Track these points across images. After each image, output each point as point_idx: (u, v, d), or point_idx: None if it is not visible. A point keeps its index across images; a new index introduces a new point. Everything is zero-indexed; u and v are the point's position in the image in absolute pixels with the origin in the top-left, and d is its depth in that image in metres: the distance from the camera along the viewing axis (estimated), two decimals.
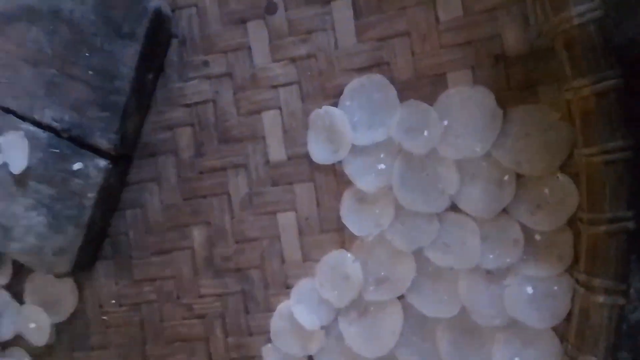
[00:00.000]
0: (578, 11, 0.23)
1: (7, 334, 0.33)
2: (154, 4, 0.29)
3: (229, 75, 0.31)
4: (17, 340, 0.34)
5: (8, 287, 0.33)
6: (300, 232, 0.30)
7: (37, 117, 0.30)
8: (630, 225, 0.22)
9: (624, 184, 0.23)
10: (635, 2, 0.27)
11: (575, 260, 0.25)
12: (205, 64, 0.31)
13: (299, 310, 0.30)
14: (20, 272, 0.33)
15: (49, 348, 0.33)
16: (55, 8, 0.30)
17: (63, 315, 0.33)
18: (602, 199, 0.23)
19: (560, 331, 0.26)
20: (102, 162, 0.30)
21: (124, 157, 0.31)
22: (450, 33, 0.27)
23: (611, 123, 0.23)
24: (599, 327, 0.23)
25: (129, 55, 0.29)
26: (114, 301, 0.33)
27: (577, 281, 0.25)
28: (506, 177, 0.27)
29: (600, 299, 0.22)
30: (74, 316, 0.33)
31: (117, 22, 0.29)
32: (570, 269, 0.26)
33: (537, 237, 0.26)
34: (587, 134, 0.23)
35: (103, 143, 0.30)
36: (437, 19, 0.28)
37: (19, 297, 0.33)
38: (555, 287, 0.26)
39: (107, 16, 0.29)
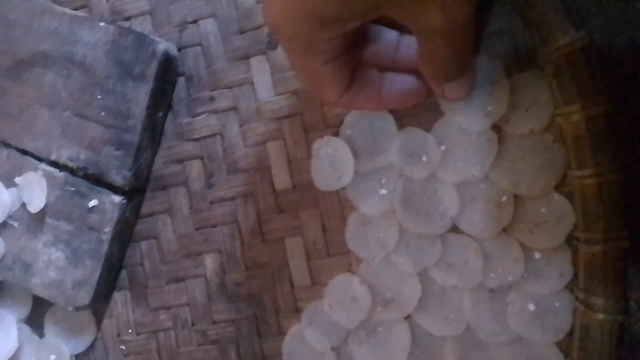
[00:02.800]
0: (565, 41, 0.24)
1: None
2: (162, 47, 0.31)
3: (235, 109, 0.32)
4: None
5: (28, 321, 0.35)
6: (308, 257, 0.31)
7: (53, 157, 0.32)
8: (626, 244, 0.23)
9: (617, 203, 0.24)
10: (621, 23, 0.29)
11: (575, 276, 0.26)
12: (212, 99, 0.32)
13: (310, 332, 0.31)
14: (39, 305, 0.35)
15: None
16: (69, 54, 0.32)
17: (82, 346, 0.34)
18: (597, 219, 0.24)
19: (564, 346, 0.27)
20: (117, 198, 0.31)
21: (137, 191, 0.33)
22: None
23: (602, 146, 0.24)
24: (600, 343, 0.24)
25: (140, 95, 0.31)
26: (131, 330, 0.34)
27: (576, 298, 0.25)
28: (504, 198, 0.28)
29: (600, 316, 0.23)
30: (93, 346, 0.34)
31: (128, 65, 0.31)
32: (571, 285, 0.27)
33: (537, 255, 0.27)
34: (579, 157, 0.24)
35: (118, 180, 0.31)
36: None
37: (39, 330, 0.35)
38: (557, 303, 0.27)
39: (119, 60, 0.31)
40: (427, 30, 0.20)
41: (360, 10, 0.19)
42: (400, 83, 0.25)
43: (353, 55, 0.24)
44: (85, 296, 0.32)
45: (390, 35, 0.25)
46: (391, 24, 0.25)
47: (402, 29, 0.25)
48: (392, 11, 0.19)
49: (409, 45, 0.25)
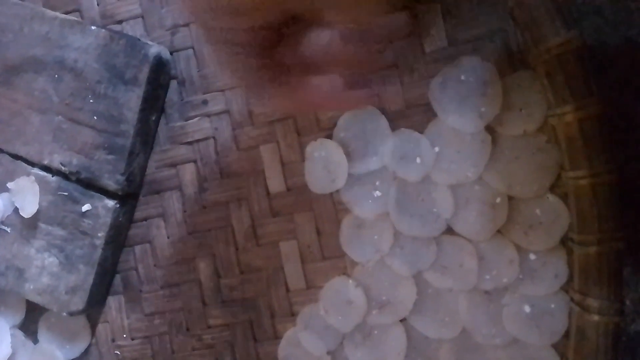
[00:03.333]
0: (557, 42, 0.24)
1: None
2: (154, 50, 0.30)
3: (227, 112, 0.32)
4: None
5: (21, 327, 0.35)
6: (303, 260, 0.31)
7: (46, 162, 0.32)
8: (621, 244, 0.23)
9: (612, 205, 0.24)
10: (614, 23, 0.29)
11: (570, 277, 0.26)
12: (204, 102, 0.32)
13: (306, 336, 0.31)
14: (33, 311, 0.34)
15: None
16: (60, 58, 0.31)
17: (77, 352, 0.34)
18: (591, 221, 0.24)
19: (560, 348, 0.27)
20: (111, 203, 0.31)
21: (130, 196, 0.33)
22: (436, 63, 0.29)
23: (596, 147, 0.24)
24: (596, 345, 0.24)
25: (132, 99, 0.30)
26: (125, 335, 0.34)
27: (572, 299, 0.25)
28: (498, 200, 0.28)
29: (596, 317, 0.23)
30: (87, 352, 0.34)
31: (120, 69, 0.31)
32: (566, 286, 0.26)
33: (532, 256, 0.27)
34: (573, 158, 0.24)
35: (111, 184, 0.31)
36: (422, 50, 0.29)
37: (33, 336, 0.34)
38: (552, 305, 0.27)
39: (110, 64, 0.31)
40: (337, 25, 0.20)
41: (271, 1, 0.18)
42: (322, 85, 0.24)
43: (277, 50, 0.22)
44: (79, 302, 0.32)
45: (320, 37, 0.24)
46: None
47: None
48: (303, 4, 0.19)
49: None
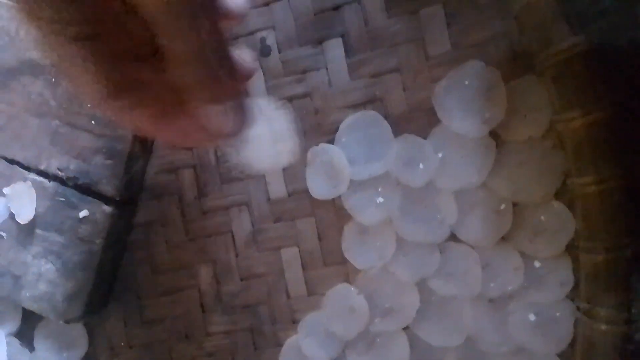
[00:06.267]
0: (564, 46, 0.24)
1: None
2: None
3: None
4: None
5: (17, 335, 0.34)
6: (304, 267, 0.31)
7: (43, 167, 0.31)
8: (628, 252, 0.23)
9: (619, 212, 0.23)
10: (620, 26, 0.28)
11: (576, 285, 0.26)
12: None
13: (307, 344, 0.30)
14: (30, 319, 0.34)
15: None
16: None
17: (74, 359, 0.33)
18: (599, 228, 0.23)
19: (566, 357, 0.26)
20: (109, 208, 0.31)
21: (129, 201, 0.32)
22: (440, 68, 0.28)
23: (603, 153, 0.23)
24: (603, 354, 0.23)
25: None
26: (123, 343, 0.33)
27: (578, 308, 0.25)
28: (503, 206, 0.27)
29: (603, 327, 0.23)
30: None
31: None
32: (571, 294, 0.26)
33: (537, 264, 0.27)
34: (580, 164, 0.24)
35: (109, 190, 0.30)
36: (426, 54, 0.29)
37: (29, 344, 0.34)
38: (558, 313, 0.26)
39: None
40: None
41: None
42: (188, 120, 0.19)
43: (121, 54, 0.19)
44: (76, 309, 0.31)
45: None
46: None
47: None
48: None
49: None
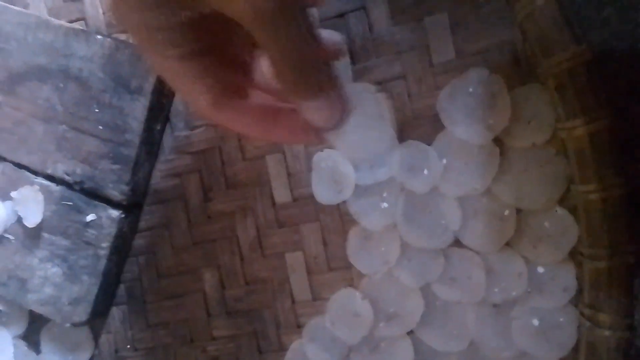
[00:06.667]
0: (566, 55, 0.24)
1: None
2: None
3: None
4: None
5: (24, 338, 0.34)
6: (309, 272, 0.31)
7: (49, 171, 0.32)
8: (631, 259, 0.23)
9: (622, 218, 0.23)
10: (621, 35, 0.29)
11: (580, 291, 0.26)
12: None
13: (312, 348, 0.30)
14: (36, 322, 0.34)
15: None
16: (65, 67, 0.31)
17: None
18: (601, 234, 0.24)
19: None
20: (115, 213, 0.31)
21: (135, 206, 0.32)
22: (444, 75, 0.29)
23: (606, 160, 0.24)
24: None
25: (137, 109, 0.30)
26: (129, 346, 0.33)
27: (582, 314, 0.25)
28: (507, 212, 0.27)
29: (606, 333, 0.23)
30: None
31: (125, 78, 0.30)
32: (575, 300, 0.26)
33: (540, 269, 0.27)
34: (583, 171, 0.24)
35: (115, 194, 0.31)
36: (430, 62, 0.29)
37: (35, 347, 0.34)
38: (561, 319, 0.26)
39: (115, 73, 0.30)
40: (239, 17, 0.17)
41: None
42: (291, 117, 0.21)
43: (231, 64, 0.21)
44: (82, 312, 0.31)
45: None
46: None
47: None
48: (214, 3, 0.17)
49: None
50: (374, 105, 0.27)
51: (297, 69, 0.18)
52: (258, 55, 0.22)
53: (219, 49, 0.20)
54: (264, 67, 0.22)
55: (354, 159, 0.27)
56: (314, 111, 0.20)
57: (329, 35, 0.21)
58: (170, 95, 0.32)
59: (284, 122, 0.21)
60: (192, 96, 0.20)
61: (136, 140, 0.30)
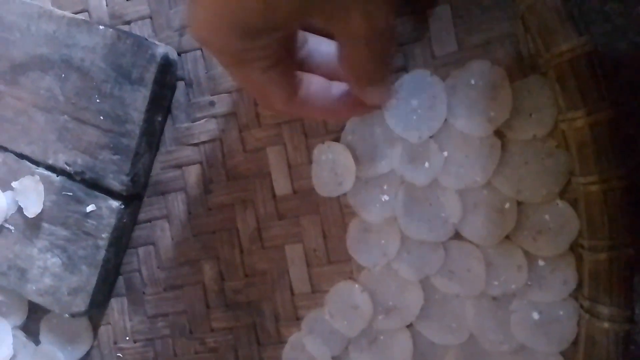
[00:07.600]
0: (568, 47, 0.24)
1: None
2: (161, 51, 0.30)
3: (234, 114, 0.32)
4: None
5: (23, 328, 0.34)
6: (309, 264, 0.31)
7: (50, 161, 0.32)
8: (631, 251, 0.23)
9: (622, 211, 0.23)
10: (623, 28, 0.28)
11: (580, 284, 0.26)
12: (211, 104, 0.32)
13: (310, 340, 0.30)
14: (35, 312, 0.34)
15: None
16: (67, 57, 0.31)
17: (78, 353, 0.33)
18: (602, 227, 0.23)
19: (569, 356, 0.26)
20: (115, 203, 0.31)
21: (135, 197, 0.32)
22: (446, 67, 0.29)
23: (606, 152, 0.24)
24: (606, 352, 0.23)
25: (138, 100, 0.30)
26: (128, 337, 0.33)
27: (581, 306, 0.25)
28: (507, 205, 0.27)
29: (606, 325, 0.23)
30: (89, 354, 0.34)
31: (127, 68, 0.30)
32: (575, 293, 0.26)
33: (541, 262, 0.27)
34: (584, 163, 0.24)
35: (115, 185, 0.31)
36: (432, 54, 0.29)
37: (34, 337, 0.34)
38: (561, 312, 0.26)
39: (117, 63, 0.30)
40: (349, 35, 0.20)
41: (284, 18, 0.19)
42: (346, 93, 0.25)
43: (294, 62, 0.23)
44: (81, 303, 0.31)
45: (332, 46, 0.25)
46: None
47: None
48: (315, 17, 0.19)
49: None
50: (429, 87, 0.28)
51: (378, 63, 0.21)
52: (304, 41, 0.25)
53: (290, 53, 0.23)
54: (323, 56, 0.25)
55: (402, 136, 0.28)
56: (374, 94, 0.23)
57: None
58: (171, 86, 0.32)
59: (342, 103, 0.24)
60: (270, 98, 0.23)
61: (137, 130, 0.30)
